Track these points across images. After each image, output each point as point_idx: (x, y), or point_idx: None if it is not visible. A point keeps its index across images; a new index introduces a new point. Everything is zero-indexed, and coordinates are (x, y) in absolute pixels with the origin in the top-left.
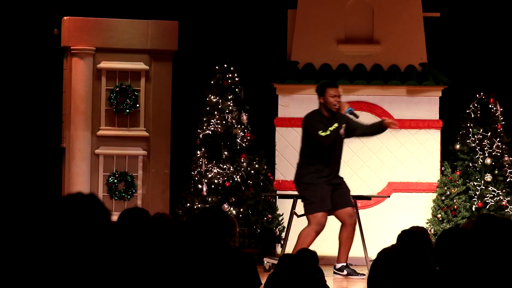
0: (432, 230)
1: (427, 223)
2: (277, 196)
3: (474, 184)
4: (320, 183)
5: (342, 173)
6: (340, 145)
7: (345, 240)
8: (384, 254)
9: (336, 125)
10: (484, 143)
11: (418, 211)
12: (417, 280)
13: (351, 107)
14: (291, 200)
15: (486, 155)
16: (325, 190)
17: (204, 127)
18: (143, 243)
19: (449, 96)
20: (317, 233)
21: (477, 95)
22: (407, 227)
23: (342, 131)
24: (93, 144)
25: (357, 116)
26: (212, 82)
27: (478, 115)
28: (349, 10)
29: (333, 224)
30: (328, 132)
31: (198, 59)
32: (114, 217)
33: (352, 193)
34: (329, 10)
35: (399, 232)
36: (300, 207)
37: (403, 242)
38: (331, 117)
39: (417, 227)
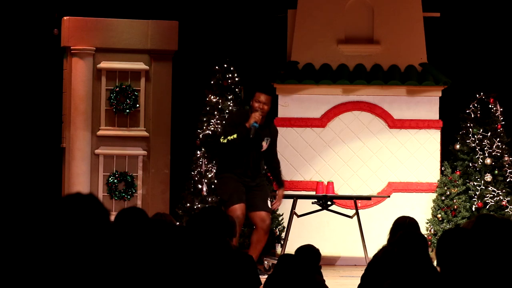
0: (432, 230)
1: (427, 223)
2: None
3: (474, 184)
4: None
5: (342, 173)
6: (257, 158)
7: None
8: (380, 254)
9: (235, 135)
10: (484, 143)
11: (418, 211)
12: (417, 280)
13: (257, 124)
14: (291, 200)
15: (486, 155)
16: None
17: (204, 127)
18: (141, 243)
19: (449, 96)
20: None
21: (477, 95)
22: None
23: (265, 144)
24: (93, 144)
25: (250, 135)
26: (212, 82)
27: (478, 115)
28: (349, 10)
29: (332, 224)
30: (224, 141)
31: (198, 59)
32: (113, 217)
33: (352, 193)
34: (329, 10)
35: (395, 226)
36: (300, 207)
37: (404, 243)
38: (262, 123)
39: (409, 217)
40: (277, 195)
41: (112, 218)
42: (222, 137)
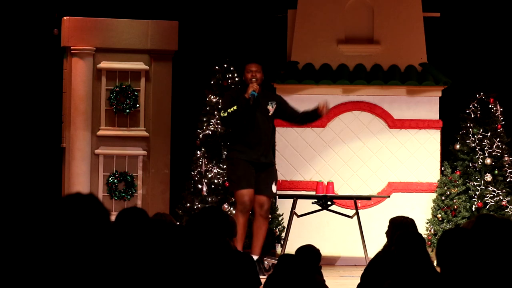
0: (432, 230)
1: (427, 223)
2: (277, 196)
3: (474, 184)
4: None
5: (342, 172)
6: (266, 123)
7: (255, 231)
8: (380, 254)
9: (234, 107)
10: (484, 143)
11: (418, 211)
12: (417, 280)
13: (256, 93)
14: (291, 200)
15: (486, 155)
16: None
17: (204, 127)
18: (142, 243)
19: (449, 96)
20: (241, 212)
21: (477, 95)
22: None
23: (270, 107)
24: (93, 144)
25: (249, 103)
26: (212, 82)
27: (478, 115)
28: (349, 10)
29: (332, 224)
30: (225, 114)
31: (198, 59)
32: (114, 217)
33: (352, 193)
34: (329, 10)
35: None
36: (300, 207)
37: (402, 243)
38: (261, 92)
39: (405, 217)
40: (321, 109)
41: (113, 218)
42: (223, 112)
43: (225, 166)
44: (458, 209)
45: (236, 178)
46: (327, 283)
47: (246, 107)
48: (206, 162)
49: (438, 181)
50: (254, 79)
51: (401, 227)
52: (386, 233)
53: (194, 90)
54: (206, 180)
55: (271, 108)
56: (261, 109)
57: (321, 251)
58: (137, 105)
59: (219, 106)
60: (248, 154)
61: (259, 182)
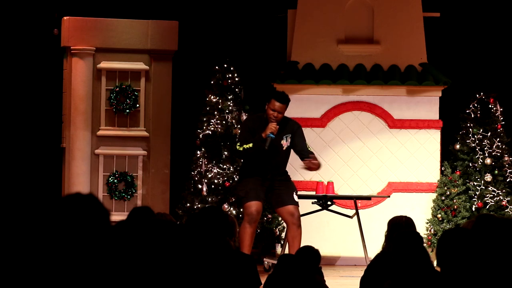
0: (432, 230)
1: (427, 223)
2: None
3: (474, 184)
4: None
5: (342, 172)
6: (279, 153)
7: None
8: (379, 256)
9: (250, 145)
10: (484, 143)
11: (418, 211)
12: (417, 280)
13: (273, 135)
14: None
15: (486, 155)
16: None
17: (204, 127)
18: (142, 244)
19: (449, 96)
20: (249, 222)
21: (477, 95)
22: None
23: (284, 142)
24: (93, 144)
25: (265, 147)
26: (212, 82)
27: (478, 115)
28: (349, 10)
29: (332, 224)
30: (240, 149)
31: (198, 59)
32: (114, 217)
33: (352, 193)
34: (329, 10)
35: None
36: (300, 207)
37: (400, 242)
38: (280, 124)
39: (403, 216)
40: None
41: (113, 218)
42: (238, 144)
43: (225, 166)
44: (458, 209)
45: (244, 193)
46: (327, 283)
47: (261, 150)
48: (206, 162)
49: (438, 181)
50: (274, 118)
51: (399, 227)
52: (386, 235)
53: (194, 90)
54: (206, 180)
55: (285, 142)
56: (275, 148)
57: (321, 251)
58: (137, 105)
59: (219, 106)
60: (258, 177)
61: (280, 194)
